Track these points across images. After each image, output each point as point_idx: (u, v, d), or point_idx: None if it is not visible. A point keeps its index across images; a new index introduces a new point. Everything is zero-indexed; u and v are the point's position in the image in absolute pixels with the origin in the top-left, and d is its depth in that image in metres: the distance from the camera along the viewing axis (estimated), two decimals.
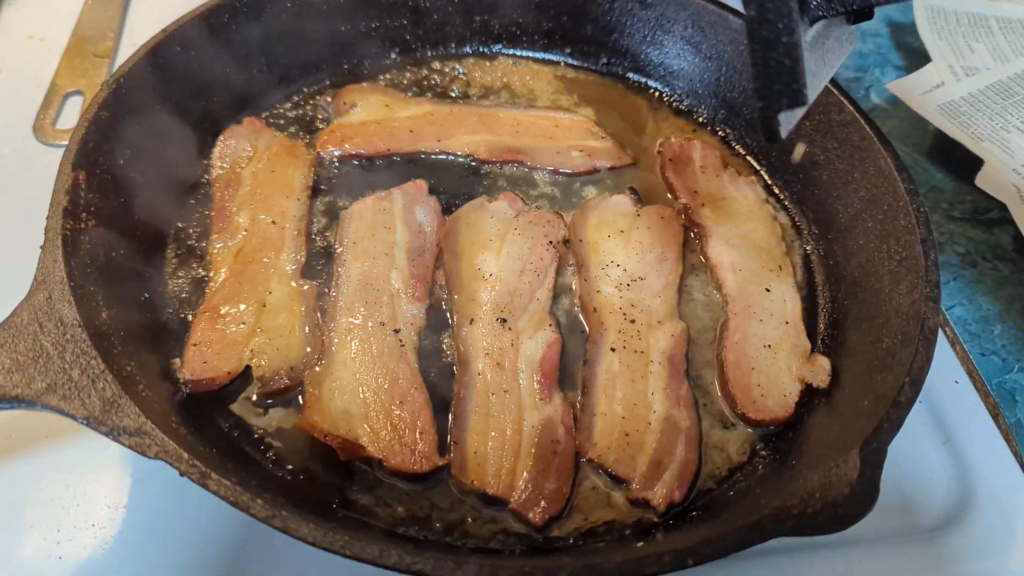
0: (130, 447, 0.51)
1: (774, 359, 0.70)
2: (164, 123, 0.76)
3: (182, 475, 0.50)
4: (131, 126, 0.73)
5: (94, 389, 0.53)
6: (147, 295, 0.68)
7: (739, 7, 0.88)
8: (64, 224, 0.62)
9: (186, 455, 0.51)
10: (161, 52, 0.76)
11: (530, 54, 0.95)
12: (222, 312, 0.68)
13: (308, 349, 0.67)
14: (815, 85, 0.62)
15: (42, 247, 0.60)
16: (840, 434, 0.61)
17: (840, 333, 0.72)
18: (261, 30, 0.84)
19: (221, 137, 0.81)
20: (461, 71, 0.93)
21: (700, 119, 0.91)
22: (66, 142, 0.86)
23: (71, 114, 0.91)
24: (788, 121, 0.60)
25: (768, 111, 0.60)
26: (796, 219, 0.82)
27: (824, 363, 0.69)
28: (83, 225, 0.64)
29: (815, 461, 0.60)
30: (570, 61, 0.95)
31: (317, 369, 0.65)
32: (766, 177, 0.86)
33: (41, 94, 0.92)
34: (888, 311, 0.67)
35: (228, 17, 0.81)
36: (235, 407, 0.64)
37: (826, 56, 0.64)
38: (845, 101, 0.79)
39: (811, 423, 0.66)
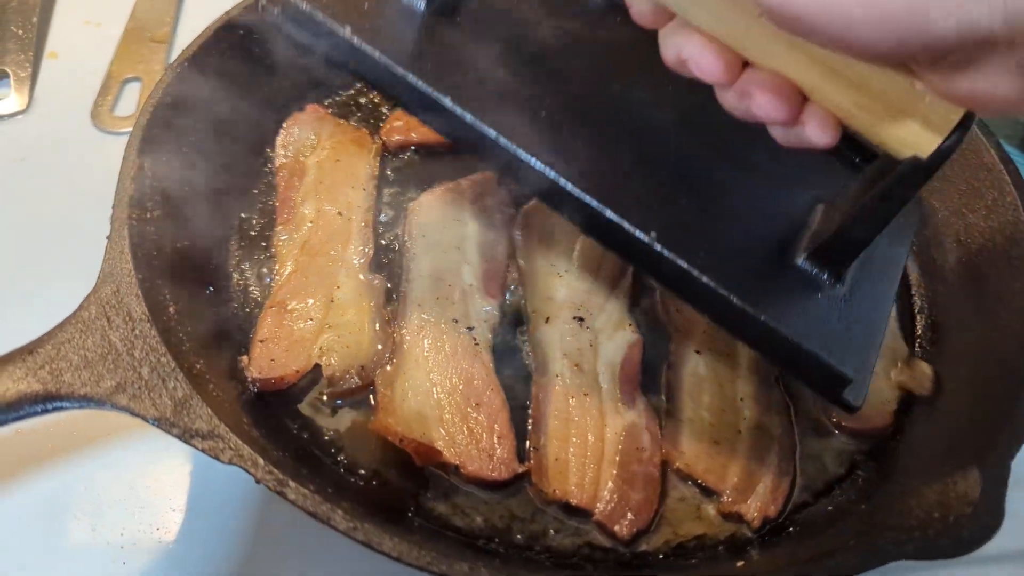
0: (203, 451, 0.48)
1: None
2: (228, 109, 0.73)
3: (258, 482, 0.48)
4: (195, 112, 0.70)
5: (165, 388, 0.50)
6: (211, 288, 0.66)
7: None
8: (130, 213, 0.59)
9: (262, 461, 0.48)
10: (224, 36, 0.73)
11: None
12: (289, 307, 0.65)
13: (379, 347, 0.64)
14: (872, 333, 0.58)
15: (108, 237, 0.58)
16: (950, 446, 0.57)
17: (941, 336, 0.68)
18: None
19: (284, 124, 0.78)
20: None
21: None
22: (124, 129, 0.85)
23: (129, 101, 0.89)
24: (861, 388, 0.54)
25: (833, 399, 0.55)
26: None
27: (925, 369, 0.65)
28: (148, 215, 0.61)
29: (925, 476, 0.55)
30: None
31: (388, 369, 0.62)
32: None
33: (98, 80, 0.90)
34: (998, 312, 0.63)
35: None
36: (304, 408, 0.61)
37: (878, 277, 0.60)
38: None
39: (914, 433, 0.61)
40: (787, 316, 0.54)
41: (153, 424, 0.49)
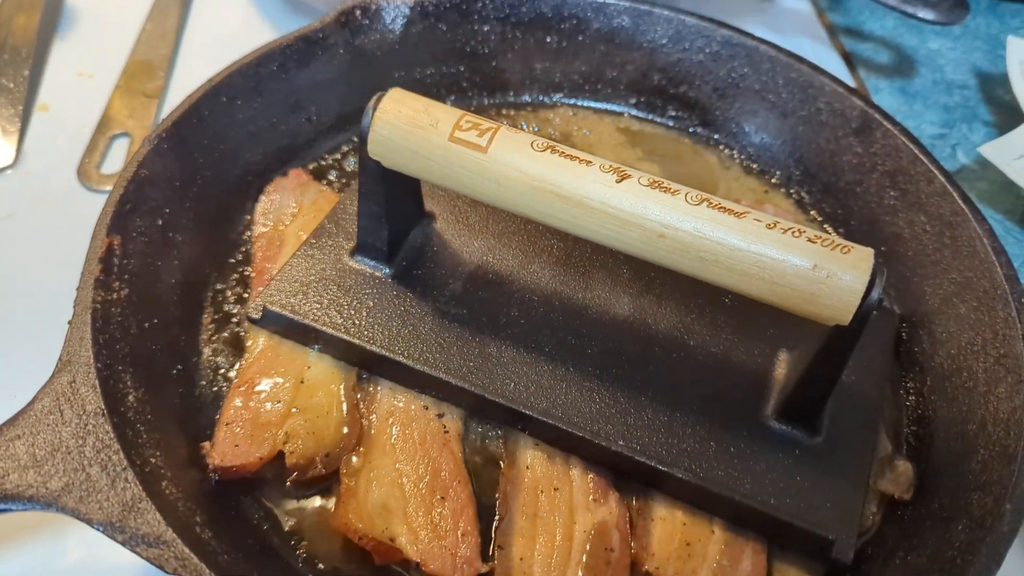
0: (147, 559, 0.47)
1: None
2: (207, 178, 0.73)
3: None
4: (171, 183, 0.69)
5: (113, 490, 0.49)
6: (180, 367, 0.65)
7: (820, 62, 0.83)
8: (95, 296, 0.58)
9: (208, 572, 0.46)
10: (206, 105, 0.72)
11: (592, 104, 0.90)
12: (257, 388, 0.64)
13: (346, 430, 0.63)
14: (855, 479, 0.59)
15: (70, 322, 0.57)
16: (928, 559, 0.55)
17: (926, 433, 0.66)
18: (311, 78, 0.80)
19: (265, 191, 0.77)
20: (519, 122, 0.88)
21: (773, 180, 0.85)
22: (109, 188, 0.84)
23: (117, 157, 0.88)
24: (848, 543, 0.56)
25: (820, 559, 0.58)
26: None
27: (906, 469, 0.62)
28: (115, 295, 0.60)
29: None
30: (635, 112, 0.90)
31: (355, 459, 0.61)
32: None
33: (88, 134, 0.90)
34: (983, 415, 0.61)
35: (277, 66, 0.78)
36: (266, 495, 0.60)
37: (856, 416, 0.62)
38: (935, 171, 0.72)
39: (892, 540, 0.59)
40: (763, 488, 0.59)
41: (98, 530, 0.48)
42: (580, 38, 0.87)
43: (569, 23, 0.87)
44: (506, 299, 0.67)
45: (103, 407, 0.52)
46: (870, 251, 0.53)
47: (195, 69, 0.85)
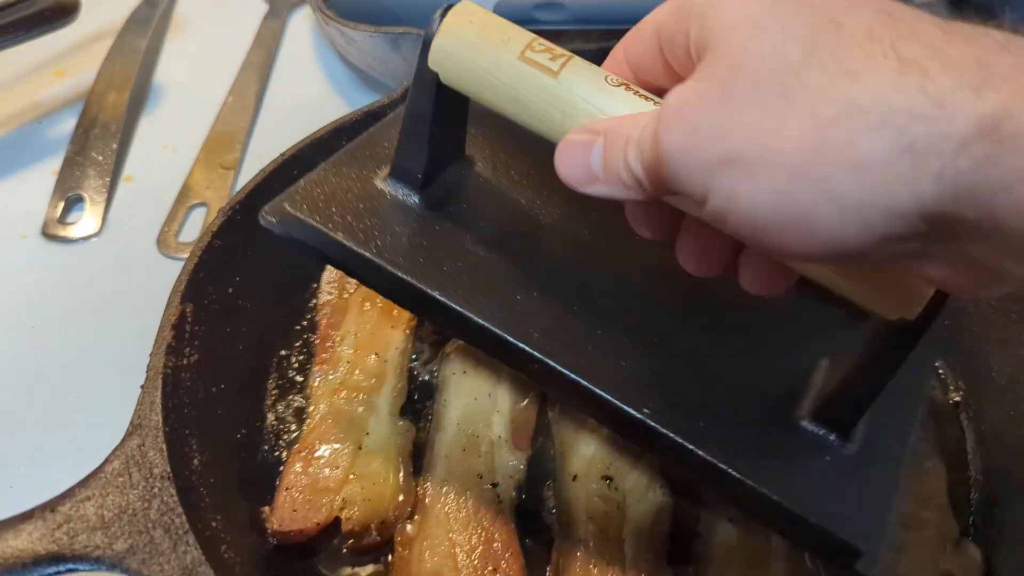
0: None
1: (917, 544, 0.61)
2: (276, 248, 0.75)
3: None
4: (243, 253, 0.72)
5: (175, 553, 0.51)
6: (243, 431, 0.67)
7: None
8: (166, 362, 0.61)
9: None
10: (278, 177, 0.76)
11: None
12: (316, 454, 0.65)
13: (401, 498, 0.64)
14: (886, 491, 0.54)
15: (142, 387, 0.59)
16: None
17: (996, 514, 0.63)
18: None
19: None
20: None
21: None
22: (186, 255, 0.88)
23: (194, 226, 0.93)
24: (874, 555, 0.51)
25: (843, 567, 0.52)
26: (940, 370, 0.74)
27: (975, 554, 0.60)
28: (185, 361, 0.63)
29: None
30: None
31: (409, 527, 0.62)
32: None
33: (168, 204, 0.94)
34: None
35: (346, 140, 0.80)
36: (322, 562, 0.61)
37: (892, 429, 0.57)
38: None
39: None
40: (791, 486, 0.53)
41: None
42: None
43: None
44: (539, 252, 0.62)
45: (169, 471, 0.54)
46: None
47: (270, 141, 0.88)
